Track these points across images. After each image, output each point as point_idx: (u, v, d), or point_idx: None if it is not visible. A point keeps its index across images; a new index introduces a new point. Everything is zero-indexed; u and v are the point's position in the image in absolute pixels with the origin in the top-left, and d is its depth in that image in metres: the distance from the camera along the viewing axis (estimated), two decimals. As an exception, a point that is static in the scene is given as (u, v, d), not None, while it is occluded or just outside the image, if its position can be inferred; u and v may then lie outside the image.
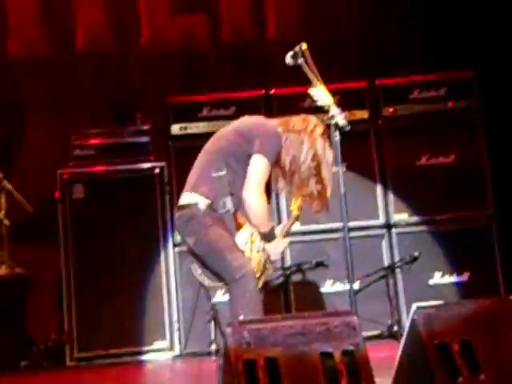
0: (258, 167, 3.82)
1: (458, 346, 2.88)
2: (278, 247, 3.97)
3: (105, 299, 5.35)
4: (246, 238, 3.90)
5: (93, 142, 5.59)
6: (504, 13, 5.91)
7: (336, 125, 3.69)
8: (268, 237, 3.92)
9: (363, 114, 5.61)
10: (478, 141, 5.60)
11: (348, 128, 3.68)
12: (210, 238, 3.80)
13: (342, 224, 3.75)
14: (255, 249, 3.91)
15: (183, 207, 3.89)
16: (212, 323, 4.95)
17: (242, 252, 3.82)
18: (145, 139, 5.58)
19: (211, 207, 3.83)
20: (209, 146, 4.00)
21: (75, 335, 5.34)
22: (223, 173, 3.85)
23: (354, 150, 5.32)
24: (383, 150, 5.60)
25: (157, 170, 5.51)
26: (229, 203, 3.84)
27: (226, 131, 4.01)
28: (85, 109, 6.22)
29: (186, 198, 3.89)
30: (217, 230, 3.80)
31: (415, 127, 5.60)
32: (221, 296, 5.34)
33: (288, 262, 5.49)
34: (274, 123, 3.99)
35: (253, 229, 3.90)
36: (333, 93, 3.90)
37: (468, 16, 6.03)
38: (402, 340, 3.08)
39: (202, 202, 3.83)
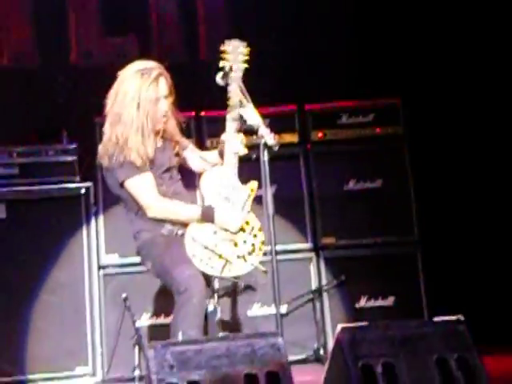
0: (133, 191, 3.85)
1: (382, 367, 2.89)
2: (232, 216, 3.85)
3: (24, 323, 5.18)
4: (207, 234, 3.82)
5: (16, 160, 5.44)
6: (428, 42, 6.07)
7: (265, 144, 3.70)
8: (208, 217, 3.82)
9: (293, 138, 5.65)
10: (403, 167, 5.70)
11: (277, 148, 3.71)
12: (162, 259, 3.83)
13: (269, 247, 3.74)
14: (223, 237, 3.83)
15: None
16: (136, 348, 4.86)
17: (189, 264, 3.77)
18: (70, 158, 5.47)
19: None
20: None
21: (-9, 361, 5.16)
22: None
23: (283, 173, 5.36)
24: (312, 174, 5.65)
25: (83, 190, 5.40)
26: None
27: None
28: (8, 127, 6.06)
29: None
30: (167, 250, 3.83)
31: (343, 152, 5.68)
32: (145, 320, 5.26)
33: (216, 285, 5.43)
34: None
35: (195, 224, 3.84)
36: (263, 116, 3.94)
37: (394, 45, 6.15)
38: (327, 361, 3.07)
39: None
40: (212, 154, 4.14)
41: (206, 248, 3.80)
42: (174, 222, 3.89)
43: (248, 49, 3.96)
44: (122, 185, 3.90)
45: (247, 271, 3.93)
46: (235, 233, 3.87)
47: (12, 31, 6.39)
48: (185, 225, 3.88)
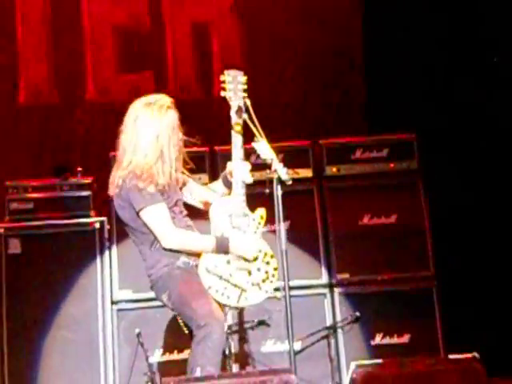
0: (150, 221, 3.82)
1: (397, 405, 2.85)
2: (246, 243, 3.84)
3: (39, 359, 5.17)
4: (220, 262, 3.80)
5: (31, 195, 5.48)
6: (442, 78, 6.10)
7: (278, 179, 3.70)
8: (223, 247, 3.82)
9: (307, 173, 5.64)
10: (418, 202, 5.66)
11: (290, 182, 3.70)
12: (179, 290, 3.80)
13: (283, 282, 3.72)
14: (236, 267, 3.81)
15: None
16: (149, 384, 4.82)
17: (209, 298, 3.75)
18: (85, 193, 5.49)
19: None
20: None
21: (7, 396, 5.14)
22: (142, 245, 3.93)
23: (298, 208, 5.35)
24: (326, 209, 5.62)
25: (97, 225, 5.42)
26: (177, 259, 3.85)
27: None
28: (25, 162, 6.12)
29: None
30: (184, 282, 3.81)
31: (358, 187, 5.65)
32: (158, 356, 5.23)
33: (229, 321, 5.40)
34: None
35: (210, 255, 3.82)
36: (277, 151, 3.94)
37: (409, 81, 6.19)
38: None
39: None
40: (217, 184, 4.14)
41: (220, 278, 3.79)
42: (188, 254, 3.87)
43: (246, 77, 3.99)
44: (138, 213, 3.88)
45: (263, 299, 3.90)
46: (252, 260, 3.85)
47: (29, 69, 6.49)
48: (199, 256, 3.88)
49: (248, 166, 3.94)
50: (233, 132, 3.93)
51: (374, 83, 6.32)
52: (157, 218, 3.84)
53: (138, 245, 3.98)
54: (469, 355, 3.14)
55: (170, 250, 3.86)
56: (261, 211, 3.93)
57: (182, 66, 6.72)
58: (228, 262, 3.83)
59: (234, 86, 3.92)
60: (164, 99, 3.99)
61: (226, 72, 3.97)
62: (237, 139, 3.93)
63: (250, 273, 3.86)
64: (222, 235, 3.86)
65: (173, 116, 3.96)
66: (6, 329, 5.23)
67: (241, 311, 5.24)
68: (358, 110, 6.30)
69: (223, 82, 3.96)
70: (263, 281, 3.87)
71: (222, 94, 3.94)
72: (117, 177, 3.93)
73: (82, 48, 6.55)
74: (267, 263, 3.88)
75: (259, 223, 3.93)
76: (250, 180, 3.90)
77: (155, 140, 3.88)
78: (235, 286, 3.82)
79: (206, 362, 3.63)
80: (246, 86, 3.97)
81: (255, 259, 3.86)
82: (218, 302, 3.80)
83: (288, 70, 6.59)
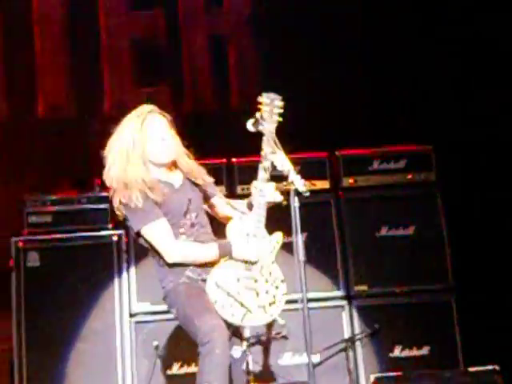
0: (150, 240, 3.81)
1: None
2: (249, 247, 3.82)
3: (58, 371, 5.19)
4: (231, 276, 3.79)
5: (49, 208, 5.50)
6: (460, 90, 6.09)
7: (296, 191, 3.69)
8: (226, 252, 3.81)
9: (324, 185, 5.64)
10: (437, 213, 5.63)
11: (307, 194, 3.69)
12: (184, 307, 3.79)
13: (301, 295, 3.70)
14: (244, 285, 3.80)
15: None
16: (167, 397, 4.82)
17: (212, 313, 3.73)
18: (103, 206, 5.51)
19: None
20: None
21: (26, 409, 5.14)
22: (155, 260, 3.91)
23: (315, 219, 5.34)
24: (343, 221, 5.60)
25: (115, 238, 5.43)
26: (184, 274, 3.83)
27: None
28: (43, 175, 6.16)
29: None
30: (188, 298, 3.79)
31: (375, 198, 5.64)
32: (176, 369, 5.22)
33: (247, 333, 5.38)
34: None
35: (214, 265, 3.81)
36: (294, 163, 3.92)
37: (427, 92, 6.18)
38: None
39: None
40: (240, 204, 4.09)
41: (228, 295, 3.78)
42: (194, 268, 3.85)
43: (282, 103, 3.99)
44: (138, 234, 3.87)
45: (266, 322, 3.89)
46: (254, 263, 3.83)
47: (47, 82, 6.54)
48: (206, 269, 3.86)
49: (273, 185, 3.90)
50: (261, 154, 3.89)
51: (392, 95, 6.31)
52: (155, 235, 3.80)
53: (152, 259, 3.98)
54: (489, 367, 3.10)
55: (175, 264, 3.83)
56: (278, 236, 3.93)
57: (198, 79, 6.74)
58: (238, 280, 3.81)
59: (269, 109, 3.91)
60: (144, 107, 3.93)
61: (264, 94, 3.96)
62: (264, 161, 3.88)
63: (257, 294, 3.84)
64: (225, 241, 3.85)
65: (150, 120, 3.88)
66: (24, 341, 5.24)
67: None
68: (375, 122, 6.28)
69: (260, 103, 3.95)
70: (270, 304, 3.85)
71: (258, 115, 3.92)
72: (113, 197, 3.87)
73: (99, 61, 6.59)
74: (276, 287, 3.87)
75: (274, 247, 3.93)
76: (279, 198, 3.87)
77: (131, 147, 3.81)
78: (241, 304, 3.80)
79: (212, 379, 3.60)
80: (282, 111, 3.96)
81: (265, 281, 3.84)
82: (221, 318, 3.78)
83: (304, 80, 6.59)
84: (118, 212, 3.88)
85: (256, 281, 3.84)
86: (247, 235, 3.86)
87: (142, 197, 3.76)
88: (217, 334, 3.63)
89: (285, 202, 3.81)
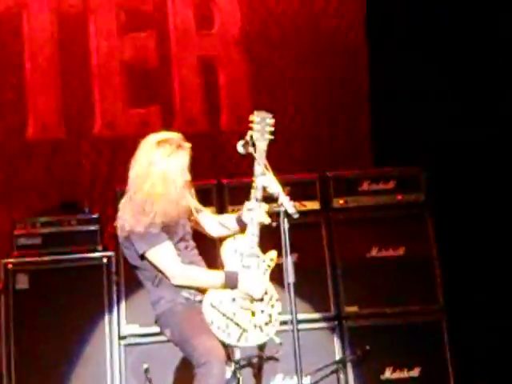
0: (156, 262, 3.82)
1: None
2: (255, 282, 3.83)
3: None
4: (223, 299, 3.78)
5: (39, 230, 5.48)
6: (450, 110, 6.13)
7: (285, 212, 3.70)
8: (231, 283, 3.81)
9: (314, 205, 5.64)
10: (426, 234, 5.64)
11: (297, 216, 3.70)
12: (181, 327, 3.79)
13: (291, 316, 3.69)
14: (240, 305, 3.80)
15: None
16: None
17: (210, 334, 3.73)
18: (93, 228, 5.50)
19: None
20: None
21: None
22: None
23: (305, 240, 5.34)
24: (334, 241, 5.61)
25: (104, 260, 5.41)
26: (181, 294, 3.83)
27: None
28: (32, 197, 6.14)
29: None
30: (186, 319, 3.79)
31: (365, 219, 5.64)
32: (168, 391, 5.19)
33: (237, 355, 5.37)
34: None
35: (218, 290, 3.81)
36: (285, 183, 3.95)
37: (416, 114, 6.22)
38: None
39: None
40: (229, 220, 4.12)
41: (224, 315, 3.78)
42: (190, 290, 3.85)
43: (273, 120, 4.01)
44: (142, 256, 3.88)
45: (263, 342, 3.88)
46: (259, 300, 3.83)
47: (37, 103, 6.54)
48: (202, 291, 3.86)
49: (265, 207, 3.93)
50: (254, 174, 3.92)
51: (380, 116, 6.35)
52: (162, 257, 3.83)
53: (143, 281, 3.98)
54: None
55: (180, 286, 3.85)
56: (272, 254, 3.94)
57: (188, 100, 6.76)
58: (233, 300, 3.81)
59: (261, 127, 3.94)
60: (176, 138, 3.98)
61: (255, 112, 3.99)
62: (256, 181, 3.91)
63: (253, 314, 3.84)
64: (232, 271, 3.85)
65: (183, 157, 3.96)
66: (13, 363, 5.20)
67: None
68: (364, 143, 6.31)
69: (252, 121, 3.97)
70: (266, 324, 3.86)
71: (249, 133, 3.95)
72: (122, 219, 3.91)
73: (90, 83, 6.59)
74: (272, 306, 3.87)
75: (269, 266, 3.93)
76: (267, 221, 3.90)
77: (162, 178, 3.87)
78: (237, 325, 3.81)
79: None
80: (273, 129, 3.98)
81: (261, 300, 3.84)
82: (218, 338, 3.78)
83: (294, 102, 6.62)
84: (122, 233, 3.88)
85: (252, 300, 3.84)
86: (241, 255, 3.87)
87: (155, 220, 3.80)
88: (214, 355, 3.63)
89: (274, 224, 3.82)
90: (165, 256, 3.84)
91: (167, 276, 3.85)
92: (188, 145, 3.99)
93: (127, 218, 3.87)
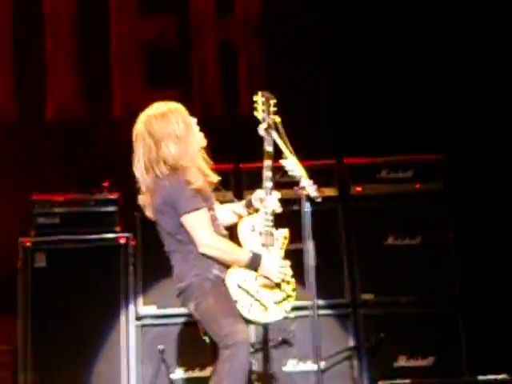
0: (192, 226, 3.76)
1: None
2: (276, 266, 3.82)
3: (62, 374, 5.18)
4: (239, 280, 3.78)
5: (57, 210, 5.50)
6: (472, 99, 6.09)
7: (307, 196, 3.69)
8: (255, 264, 3.79)
9: (332, 192, 5.63)
10: (444, 223, 5.62)
11: (319, 200, 3.69)
12: (209, 304, 3.75)
13: (307, 302, 3.69)
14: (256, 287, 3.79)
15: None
16: (172, 400, 4.81)
17: (238, 317, 3.73)
18: (111, 209, 5.51)
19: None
20: None
21: (30, 413, 5.14)
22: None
23: (322, 227, 5.29)
24: (350, 229, 5.59)
25: (122, 241, 5.43)
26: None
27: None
28: (52, 177, 6.16)
29: None
30: (215, 296, 3.76)
31: (382, 207, 5.63)
32: (180, 373, 5.21)
33: (252, 339, 5.38)
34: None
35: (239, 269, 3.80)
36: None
37: (438, 102, 6.18)
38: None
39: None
40: (238, 207, 4.08)
41: (248, 293, 3.79)
42: (220, 266, 3.84)
43: (276, 101, 4.01)
44: (181, 216, 3.77)
45: (281, 318, 3.89)
46: (275, 285, 3.84)
47: (57, 84, 6.55)
48: (228, 267, 3.83)
49: (278, 195, 3.92)
50: (265, 161, 3.91)
51: (402, 102, 6.31)
52: (199, 223, 3.76)
53: (171, 252, 3.89)
54: (499, 376, 3.09)
55: (205, 256, 3.80)
56: (284, 231, 3.94)
57: (207, 83, 6.75)
58: (256, 279, 3.82)
59: (266, 108, 3.94)
60: (178, 106, 4.02)
61: (259, 93, 3.99)
62: (268, 168, 3.91)
63: (273, 291, 3.86)
64: (257, 253, 3.85)
65: (194, 123, 3.99)
66: (30, 340, 5.23)
67: (265, 330, 5.22)
68: (386, 129, 6.28)
69: (256, 102, 3.97)
70: (283, 299, 3.87)
71: (255, 114, 3.95)
72: (159, 185, 3.83)
73: (110, 64, 6.60)
74: (288, 283, 3.88)
75: (283, 243, 3.93)
76: (279, 210, 3.89)
77: (180, 139, 3.85)
78: (259, 302, 3.82)
79: (231, 382, 3.60)
80: (276, 109, 3.98)
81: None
82: (242, 317, 3.78)
83: (313, 87, 6.59)
84: (157, 196, 3.82)
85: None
86: (258, 232, 3.87)
87: (197, 179, 3.77)
88: (241, 338, 3.62)
89: (295, 208, 3.81)
90: (201, 222, 3.77)
91: (197, 243, 3.78)
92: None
93: (166, 183, 3.81)
